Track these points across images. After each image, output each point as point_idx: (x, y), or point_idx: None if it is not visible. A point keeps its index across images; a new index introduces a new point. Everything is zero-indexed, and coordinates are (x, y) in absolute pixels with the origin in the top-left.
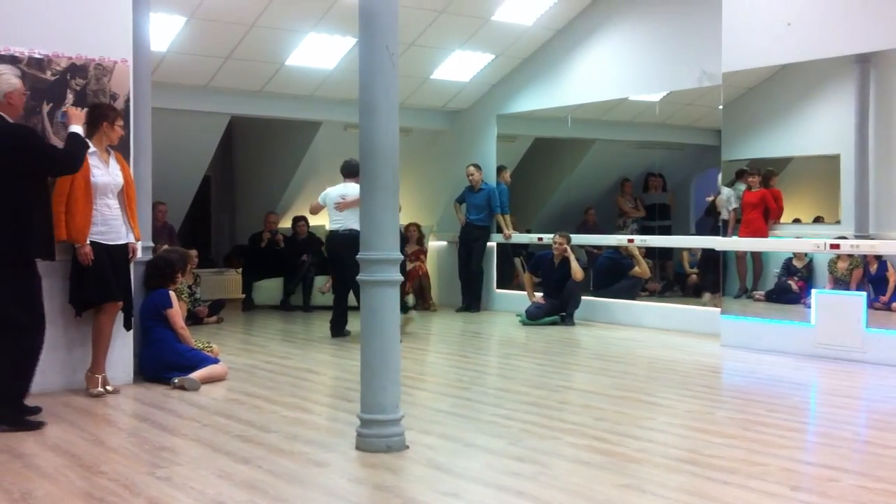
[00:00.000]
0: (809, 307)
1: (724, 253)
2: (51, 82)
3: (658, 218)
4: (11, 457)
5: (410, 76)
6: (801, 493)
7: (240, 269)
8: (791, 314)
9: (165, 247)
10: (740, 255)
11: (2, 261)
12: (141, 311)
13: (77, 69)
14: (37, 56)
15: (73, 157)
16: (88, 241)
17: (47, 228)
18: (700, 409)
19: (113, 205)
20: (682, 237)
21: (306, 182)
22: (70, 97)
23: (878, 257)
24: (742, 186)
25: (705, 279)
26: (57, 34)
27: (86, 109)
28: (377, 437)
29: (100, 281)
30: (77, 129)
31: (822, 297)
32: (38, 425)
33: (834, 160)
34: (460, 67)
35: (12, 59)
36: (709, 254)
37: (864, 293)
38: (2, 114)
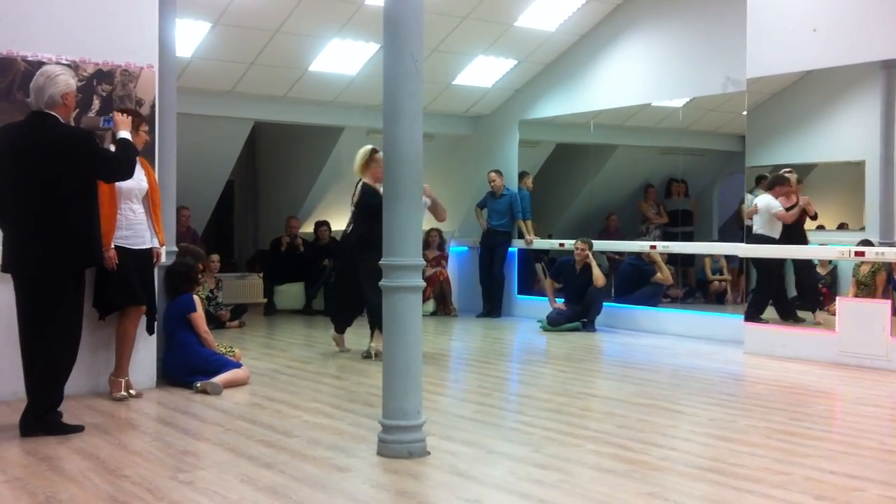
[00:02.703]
0: (834, 314)
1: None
2: (77, 88)
3: (681, 224)
4: (36, 460)
5: (433, 82)
6: (826, 502)
7: (262, 274)
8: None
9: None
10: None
11: (71, 266)
12: (165, 315)
13: (103, 75)
14: (64, 62)
15: (129, 162)
16: (113, 246)
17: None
18: (723, 417)
19: (137, 209)
20: (705, 244)
21: (329, 187)
22: (96, 103)
23: None
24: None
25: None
26: (84, 40)
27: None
28: (399, 442)
29: (124, 285)
30: (126, 134)
31: (846, 305)
32: (79, 428)
33: (859, 166)
34: (483, 73)
35: (39, 66)
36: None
37: (889, 301)
38: (57, 115)
